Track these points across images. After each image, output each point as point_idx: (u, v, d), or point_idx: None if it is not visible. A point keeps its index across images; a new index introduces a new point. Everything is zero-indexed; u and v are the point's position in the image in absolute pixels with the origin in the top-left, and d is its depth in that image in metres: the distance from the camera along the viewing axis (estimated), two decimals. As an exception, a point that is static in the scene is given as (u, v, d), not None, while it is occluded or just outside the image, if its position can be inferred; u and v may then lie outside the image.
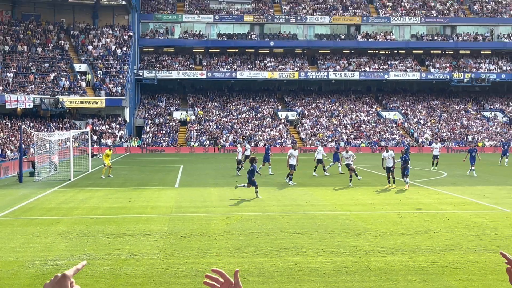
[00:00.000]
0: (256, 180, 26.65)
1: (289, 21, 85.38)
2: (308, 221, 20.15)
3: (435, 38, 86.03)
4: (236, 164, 39.08)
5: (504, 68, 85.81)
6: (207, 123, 77.70)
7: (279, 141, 72.67)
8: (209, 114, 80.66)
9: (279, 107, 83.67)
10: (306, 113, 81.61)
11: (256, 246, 16.19)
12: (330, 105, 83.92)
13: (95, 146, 64.57)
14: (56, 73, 71.56)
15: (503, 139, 74.47)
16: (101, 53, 76.61)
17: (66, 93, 69.29)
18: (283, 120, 79.22)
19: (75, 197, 27.28)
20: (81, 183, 33.69)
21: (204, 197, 26.91)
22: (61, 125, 67.43)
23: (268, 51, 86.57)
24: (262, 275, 13.21)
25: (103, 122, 73.27)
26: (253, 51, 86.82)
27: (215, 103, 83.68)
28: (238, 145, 45.52)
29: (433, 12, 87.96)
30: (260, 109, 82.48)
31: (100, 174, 37.64)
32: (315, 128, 77.41)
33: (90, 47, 76.91)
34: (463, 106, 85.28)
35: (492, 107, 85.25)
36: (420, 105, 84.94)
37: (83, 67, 74.18)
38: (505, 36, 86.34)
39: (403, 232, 18.16)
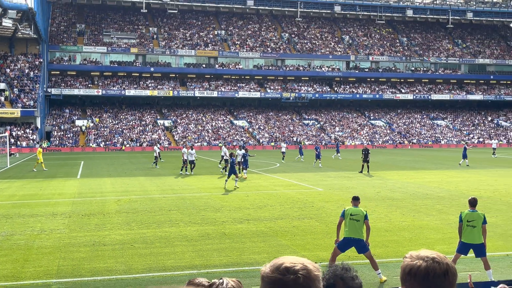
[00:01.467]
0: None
1: (165, 53, 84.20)
2: (180, 201, 20.03)
3: (271, 67, 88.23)
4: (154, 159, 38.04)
5: (318, 89, 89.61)
6: (102, 129, 74.89)
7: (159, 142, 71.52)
8: (104, 122, 77.77)
9: (158, 117, 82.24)
10: (179, 121, 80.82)
11: (141, 221, 15.87)
12: (196, 115, 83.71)
13: (12, 147, 60.43)
14: (-21, 90, 66.17)
15: (317, 140, 77.82)
16: (17, 75, 71.51)
17: (-12, 105, 64.34)
18: (161, 127, 78.00)
19: (-5, 188, 25.38)
20: (1, 176, 31.36)
21: (100, 185, 25.97)
22: (-17, 131, 62.54)
23: (149, 75, 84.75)
24: (145, 242, 12.97)
25: (19, 128, 68.45)
26: (138, 74, 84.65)
27: (109, 114, 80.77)
28: (155, 146, 41.70)
29: (269, 49, 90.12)
30: (143, 118, 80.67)
31: (33, 168, 35.72)
32: (186, 132, 76.88)
33: (8, 70, 71.60)
34: (290, 116, 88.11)
35: (309, 117, 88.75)
36: (260, 116, 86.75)
37: (2, 86, 68.97)
38: (318, 67, 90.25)
39: (249, 207, 18.51)
